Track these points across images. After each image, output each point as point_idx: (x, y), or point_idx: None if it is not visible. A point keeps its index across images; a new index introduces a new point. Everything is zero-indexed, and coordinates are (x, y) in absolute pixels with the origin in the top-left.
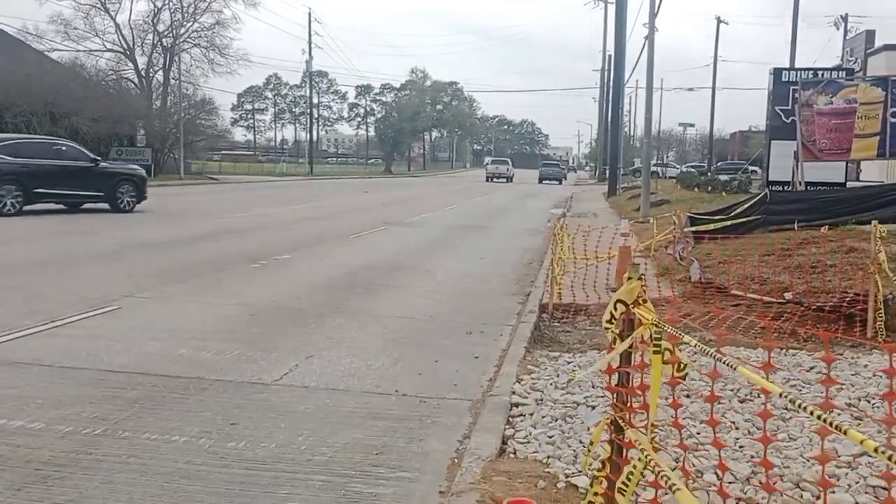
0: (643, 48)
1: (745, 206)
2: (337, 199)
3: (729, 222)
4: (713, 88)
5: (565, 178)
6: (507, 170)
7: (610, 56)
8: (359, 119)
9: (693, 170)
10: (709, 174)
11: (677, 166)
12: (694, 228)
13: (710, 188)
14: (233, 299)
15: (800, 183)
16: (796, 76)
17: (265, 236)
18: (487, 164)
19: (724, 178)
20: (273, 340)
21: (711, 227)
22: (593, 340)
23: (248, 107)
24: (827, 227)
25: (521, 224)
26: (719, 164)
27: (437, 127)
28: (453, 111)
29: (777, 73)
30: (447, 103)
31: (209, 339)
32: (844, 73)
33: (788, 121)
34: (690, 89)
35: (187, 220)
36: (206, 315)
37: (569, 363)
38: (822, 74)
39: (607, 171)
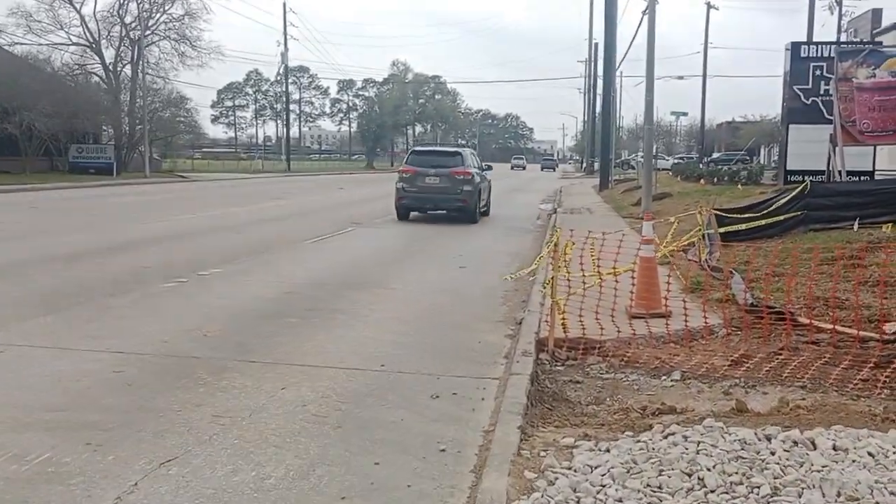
0: (637, 28)
1: (782, 200)
2: (308, 196)
3: (763, 221)
4: (704, 76)
5: (556, 168)
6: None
7: (596, 44)
8: (341, 114)
9: (681, 161)
10: (709, 165)
11: (667, 158)
12: (722, 229)
13: (715, 179)
14: (107, 341)
15: (839, 173)
16: (817, 51)
17: (204, 243)
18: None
19: (723, 168)
20: (125, 425)
21: (743, 227)
22: (616, 398)
23: (229, 104)
24: (891, 225)
25: (508, 222)
26: (715, 155)
27: (420, 121)
28: (436, 105)
29: (795, 48)
30: (429, 97)
31: (22, 426)
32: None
33: (809, 102)
34: (681, 77)
35: (118, 224)
36: (52, 371)
37: (591, 462)
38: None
39: (595, 164)
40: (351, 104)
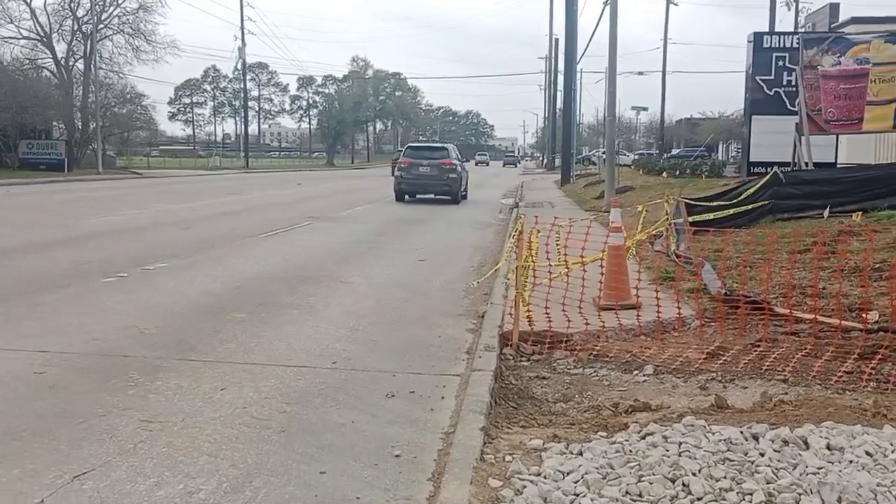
0: (599, 20)
1: (750, 189)
2: (264, 192)
3: (732, 210)
4: (664, 72)
5: (520, 163)
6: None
7: (557, 39)
8: (301, 112)
9: (642, 157)
10: (669, 160)
11: (627, 154)
12: (690, 218)
13: (677, 172)
14: (33, 340)
15: (806, 163)
16: (780, 41)
17: (152, 238)
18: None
19: (684, 162)
20: (38, 433)
21: (712, 216)
22: (586, 394)
23: (186, 100)
24: (860, 213)
25: (470, 216)
26: (674, 151)
27: (381, 118)
28: (397, 101)
29: (757, 38)
30: (390, 93)
31: None
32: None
33: (771, 93)
34: (641, 73)
35: (63, 220)
36: None
37: (563, 468)
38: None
39: (556, 160)
40: (311, 101)
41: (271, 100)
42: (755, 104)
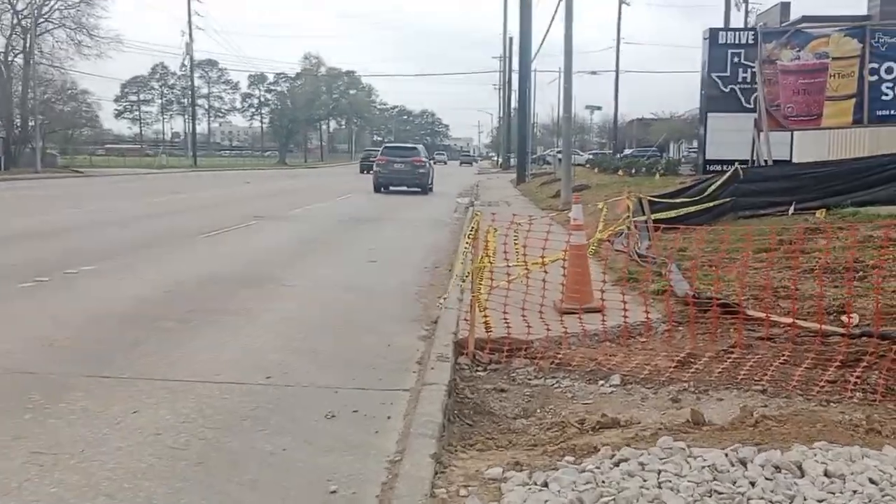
0: (553, 15)
1: (712, 186)
2: (210, 191)
3: (694, 208)
4: (616, 72)
5: (476, 162)
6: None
7: (511, 38)
8: (252, 110)
9: (595, 156)
10: (623, 159)
11: (581, 153)
12: (652, 216)
13: (633, 171)
14: None
15: (765, 161)
16: (735, 37)
17: (83, 239)
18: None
19: (640, 160)
20: None
21: (673, 214)
22: (549, 408)
23: (133, 98)
24: (824, 211)
25: (425, 215)
26: (627, 151)
27: (334, 116)
28: (350, 100)
29: (713, 34)
30: (343, 91)
31: None
32: None
33: (727, 90)
34: (594, 73)
35: None
36: None
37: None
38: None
39: (511, 159)
40: (262, 99)
41: (221, 98)
42: (711, 101)
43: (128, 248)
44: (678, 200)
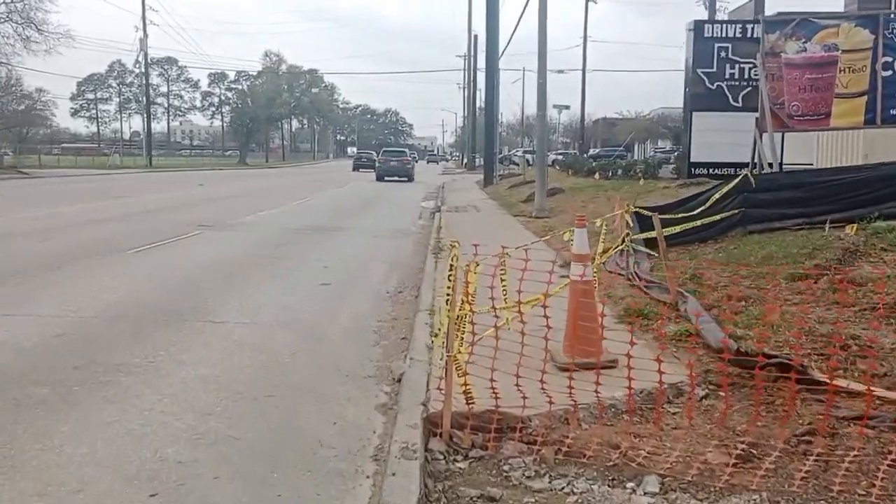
0: (523, 12)
1: (716, 196)
2: (159, 194)
3: (699, 222)
4: (584, 71)
5: (444, 161)
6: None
7: (476, 36)
8: (213, 108)
9: (563, 157)
10: (589, 160)
11: (548, 153)
12: (651, 234)
13: (609, 173)
14: None
15: (770, 165)
16: (722, 30)
17: None
18: (353, 153)
19: (616, 161)
20: None
21: (679, 229)
22: None
23: (90, 96)
24: (854, 226)
25: (387, 223)
26: (593, 150)
27: (296, 115)
28: (312, 98)
29: (698, 27)
30: (305, 90)
31: None
32: None
33: (713, 87)
34: (561, 71)
35: None
36: None
37: None
38: (752, 29)
39: (476, 159)
40: (223, 98)
41: (181, 96)
42: (696, 99)
43: (34, 269)
44: (681, 216)
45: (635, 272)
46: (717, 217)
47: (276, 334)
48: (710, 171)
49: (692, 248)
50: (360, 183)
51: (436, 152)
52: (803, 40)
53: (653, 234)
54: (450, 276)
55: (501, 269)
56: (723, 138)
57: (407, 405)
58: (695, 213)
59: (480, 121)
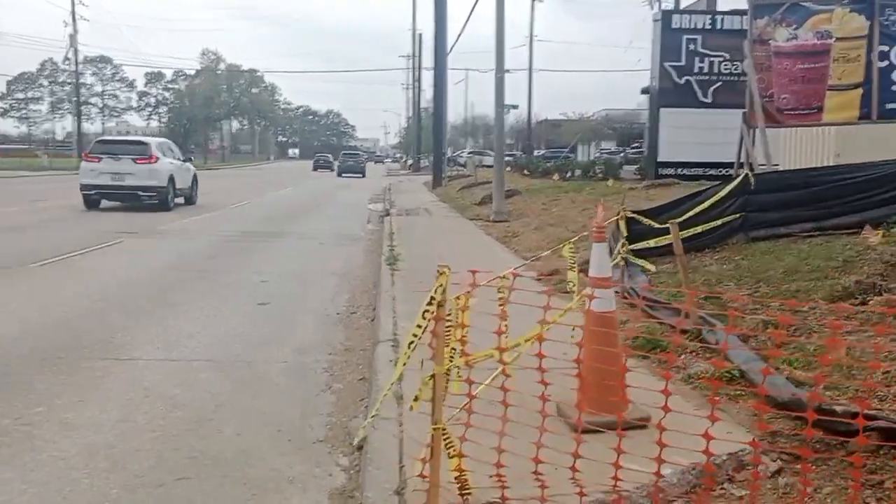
0: (471, 11)
1: (714, 198)
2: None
3: (700, 228)
4: (530, 70)
5: (386, 161)
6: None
7: (421, 34)
8: (150, 109)
9: (512, 157)
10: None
11: (492, 154)
12: (640, 245)
13: (568, 174)
14: None
15: (762, 165)
16: (691, 21)
17: None
18: (294, 155)
19: (574, 161)
20: None
21: (683, 235)
22: None
23: (21, 95)
24: (880, 233)
25: (333, 227)
26: (538, 151)
27: (236, 115)
28: (252, 98)
29: (666, 17)
30: (245, 89)
31: None
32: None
33: (682, 81)
34: (507, 71)
35: None
36: None
37: None
38: (721, 20)
39: (421, 160)
40: (160, 98)
41: (116, 96)
42: (664, 95)
43: None
44: (690, 217)
45: (632, 288)
46: (718, 222)
47: (200, 376)
48: (679, 171)
49: (688, 258)
50: (309, 182)
51: (378, 153)
52: (794, 26)
53: (650, 243)
54: (426, 312)
55: (500, 298)
56: (692, 136)
57: (374, 495)
58: (690, 216)
59: (426, 121)
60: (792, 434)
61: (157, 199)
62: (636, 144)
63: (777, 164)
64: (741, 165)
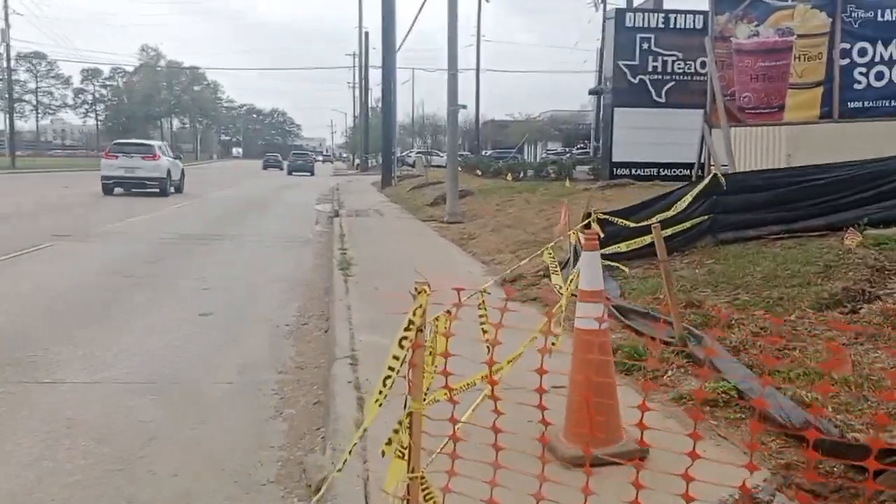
0: (419, 9)
1: (684, 199)
2: (15, 197)
3: (670, 230)
4: (477, 70)
5: (333, 162)
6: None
7: (367, 33)
8: (86, 106)
9: (461, 157)
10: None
11: (441, 154)
12: (611, 248)
13: (520, 174)
14: None
15: (724, 165)
16: (645, 20)
17: None
18: (238, 154)
19: (526, 161)
20: None
21: (650, 239)
22: None
23: None
24: (857, 236)
25: (280, 229)
26: (486, 152)
27: (177, 113)
28: (194, 96)
29: (619, 15)
30: (186, 87)
31: None
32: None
33: (636, 80)
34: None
35: None
36: None
37: None
38: (675, 19)
39: (369, 160)
40: (97, 95)
41: (51, 93)
42: (618, 94)
43: None
44: (642, 224)
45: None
46: (687, 224)
47: (130, 403)
48: (634, 171)
49: (655, 262)
50: (254, 181)
51: (326, 153)
52: (755, 23)
53: (621, 247)
54: (404, 340)
55: (482, 317)
56: (647, 137)
57: None
58: (668, 217)
59: (373, 120)
60: (804, 464)
61: (159, 188)
62: (581, 145)
63: (725, 165)
64: (702, 166)
